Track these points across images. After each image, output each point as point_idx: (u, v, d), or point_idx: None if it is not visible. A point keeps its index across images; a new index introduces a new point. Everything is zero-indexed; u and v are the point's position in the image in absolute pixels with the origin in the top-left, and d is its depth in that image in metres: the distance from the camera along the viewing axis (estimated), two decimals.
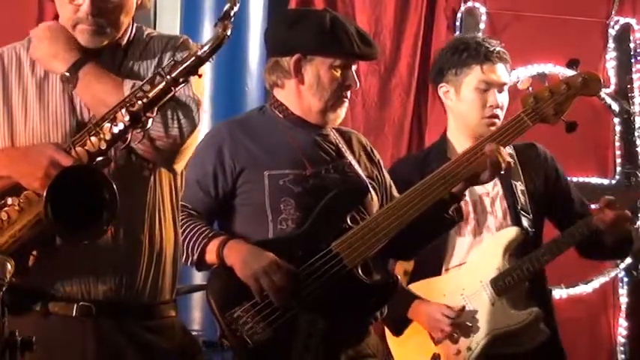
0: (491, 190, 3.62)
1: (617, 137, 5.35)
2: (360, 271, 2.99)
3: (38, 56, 2.48)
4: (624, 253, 3.97)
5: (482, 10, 5.29)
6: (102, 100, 2.39)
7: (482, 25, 5.29)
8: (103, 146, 2.31)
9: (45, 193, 2.22)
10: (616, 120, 5.34)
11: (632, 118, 5.34)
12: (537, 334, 3.63)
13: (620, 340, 5.28)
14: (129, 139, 2.33)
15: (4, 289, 2.14)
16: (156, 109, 2.33)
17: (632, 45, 5.37)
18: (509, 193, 3.62)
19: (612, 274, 5.28)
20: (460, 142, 3.64)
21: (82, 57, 2.42)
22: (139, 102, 2.31)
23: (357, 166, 3.13)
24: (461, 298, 3.58)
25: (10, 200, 2.33)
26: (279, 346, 2.90)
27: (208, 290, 3.00)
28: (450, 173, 3.08)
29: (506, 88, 3.62)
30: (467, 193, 3.26)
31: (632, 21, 5.39)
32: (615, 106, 5.28)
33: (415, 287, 3.61)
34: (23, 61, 2.53)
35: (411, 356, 3.61)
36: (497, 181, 3.55)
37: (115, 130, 2.31)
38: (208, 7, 4.76)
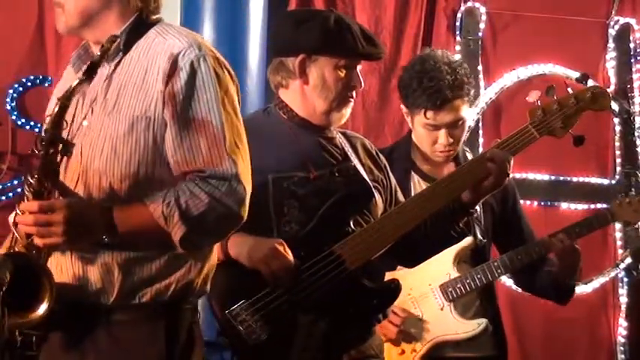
0: None
1: (617, 137, 5.37)
2: (361, 274, 2.98)
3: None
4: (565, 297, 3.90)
5: (482, 10, 5.30)
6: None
7: (482, 25, 5.30)
8: None
9: None
10: (616, 120, 5.36)
11: (632, 118, 5.35)
12: (486, 344, 3.64)
13: (620, 340, 5.29)
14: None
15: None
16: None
17: (632, 45, 5.39)
18: None
19: (612, 274, 5.29)
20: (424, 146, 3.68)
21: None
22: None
23: (361, 170, 3.12)
24: (408, 298, 3.58)
25: None
26: (278, 345, 2.89)
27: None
28: (454, 181, 3.08)
29: (460, 122, 3.58)
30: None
31: (632, 21, 5.40)
32: (615, 106, 5.28)
33: None
34: None
35: None
36: None
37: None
38: (208, 7, 4.75)
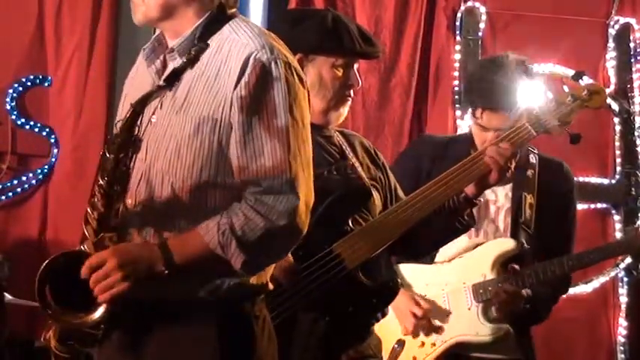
0: (499, 200, 3.64)
1: (617, 137, 5.36)
2: (360, 273, 2.98)
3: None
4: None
5: (482, 10, 5.31)
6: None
7: (482, 25, 5.30)
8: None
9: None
10: (616, 120, 5.36)
11: (632, 118, 5.35)
12: (511, 347, 3.63)
13: (620, 340, 5.29)
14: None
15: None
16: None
17: (632, 45, 5.38)
18: (516, 207, 3.64)
19: (612, 273, 5.29)
20: None
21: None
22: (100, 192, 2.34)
23: (359, 168, 3.12)
24: (442, 292, 3.60)
25: None
26: (279, 344, 2.88)
27: None
28: (453, 178, 3.08)
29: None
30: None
31: (632, 21, 5.40)
32: (615, 106, 5.28)
33: (402, 267, 3.64)
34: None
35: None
36: (509, 192, 3.57)
37: (95, 214, 2.34)
38: None
